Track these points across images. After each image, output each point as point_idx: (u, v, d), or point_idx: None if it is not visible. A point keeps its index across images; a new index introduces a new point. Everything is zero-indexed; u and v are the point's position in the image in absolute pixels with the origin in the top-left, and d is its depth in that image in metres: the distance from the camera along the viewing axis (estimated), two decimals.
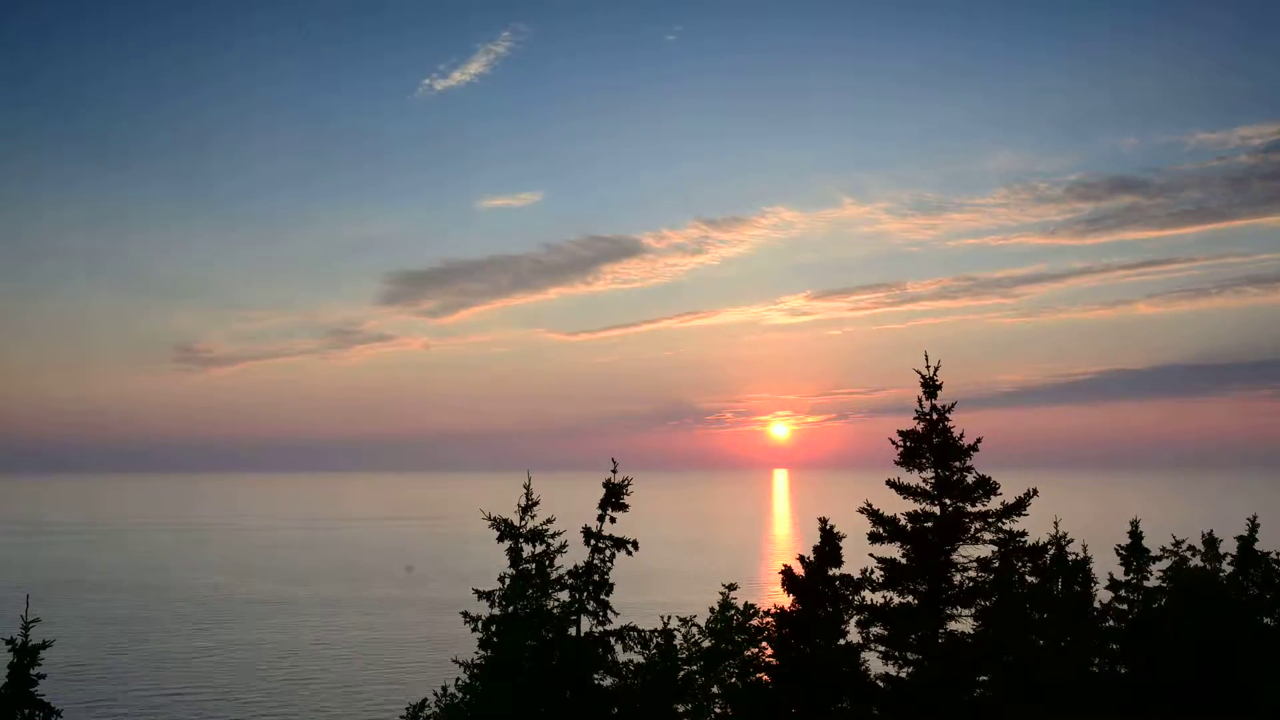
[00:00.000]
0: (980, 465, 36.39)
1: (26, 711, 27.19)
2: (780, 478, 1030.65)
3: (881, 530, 36.00)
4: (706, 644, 36.77)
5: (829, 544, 35.79)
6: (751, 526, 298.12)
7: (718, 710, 35.81)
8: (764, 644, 36.53)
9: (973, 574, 35.58)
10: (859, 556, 36.14)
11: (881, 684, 35.04)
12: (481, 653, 31.25)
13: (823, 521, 36.15)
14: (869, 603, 35.70)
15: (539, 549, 31.55)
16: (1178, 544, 42.63)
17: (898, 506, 36.43)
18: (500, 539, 31.72)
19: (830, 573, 35.47)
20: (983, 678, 35.29)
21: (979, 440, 35.88)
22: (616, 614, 31.91)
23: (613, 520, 32.15)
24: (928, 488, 36.04)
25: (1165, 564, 42.46)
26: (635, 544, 31.70)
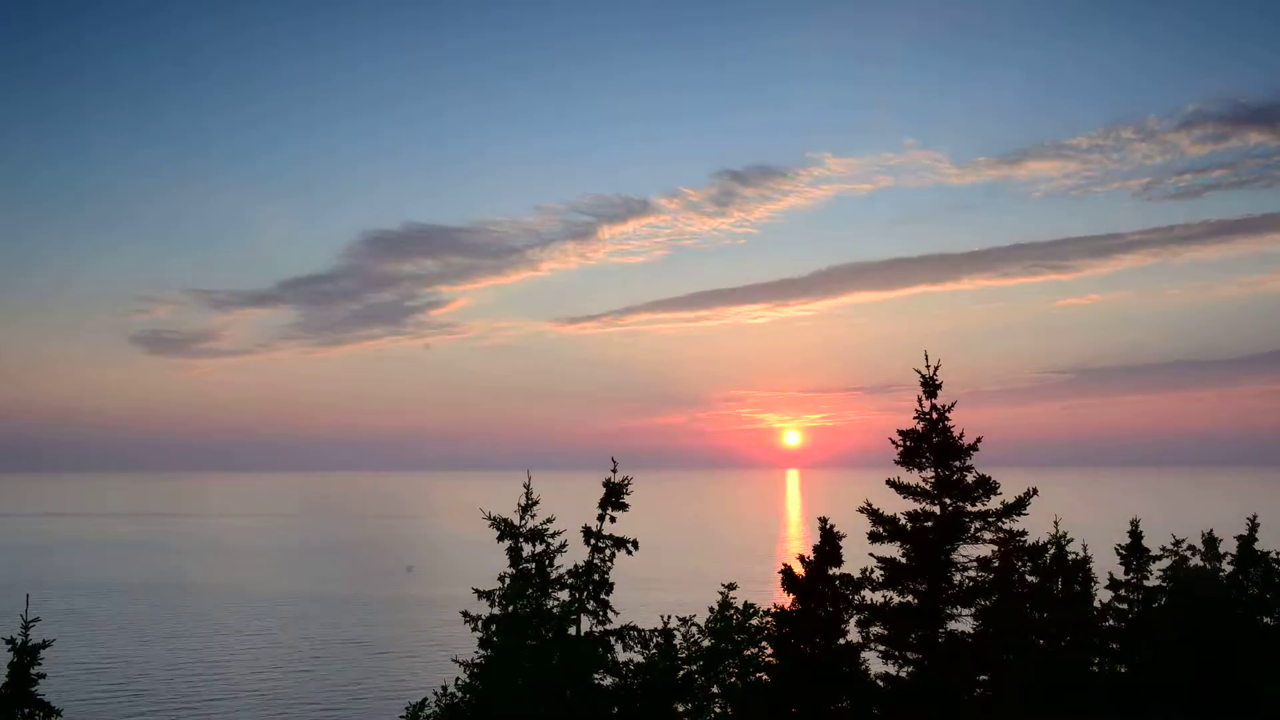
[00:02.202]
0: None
1: (26, 711, 27.20)
2: (793, 477, 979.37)
3: (881, 530, 36.02)
4: (706, 643, 36.76)
5: (829, 543, 35.81)
6: (757, 526, 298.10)
7: (718, 710, 35.81)
8: (764, 644, 36.55)
9: (973, 573, 35.60)
10: (859, 556, 36.16)
11: (881, 684, 35.06)
12: (481, 652, 31.28)
13: (823, 521, 36.18)
14: (869, 602, 35.73)
15: (539, 548, 31.57)
16: (1177, 543, 42.63)
17: (898, 506, 36.46)
18: (500, 538, 31.75)
19: (830, 572, 35.49)
20: (983, 678, 35.31)
21: (979, 439, 35.94)
22: (616, 613, 31.94)
23: (613, 520, 32.17)
24: (928, 487, 36.07)
25: (1165, 563, 42.47)
26: (635, 543, 31.73)
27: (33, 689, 27.26)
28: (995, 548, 35.78)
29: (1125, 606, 41.56)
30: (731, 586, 38.12)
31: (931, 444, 35.96)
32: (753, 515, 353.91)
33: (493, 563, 33.10)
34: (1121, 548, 42.75)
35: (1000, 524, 35.61)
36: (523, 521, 31.72)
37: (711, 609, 37.69)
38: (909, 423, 36.50)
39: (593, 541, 31.89)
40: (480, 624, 31.13)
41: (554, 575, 31.53)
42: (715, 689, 36.04)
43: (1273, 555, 41.11)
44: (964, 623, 35.74)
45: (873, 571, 35.97)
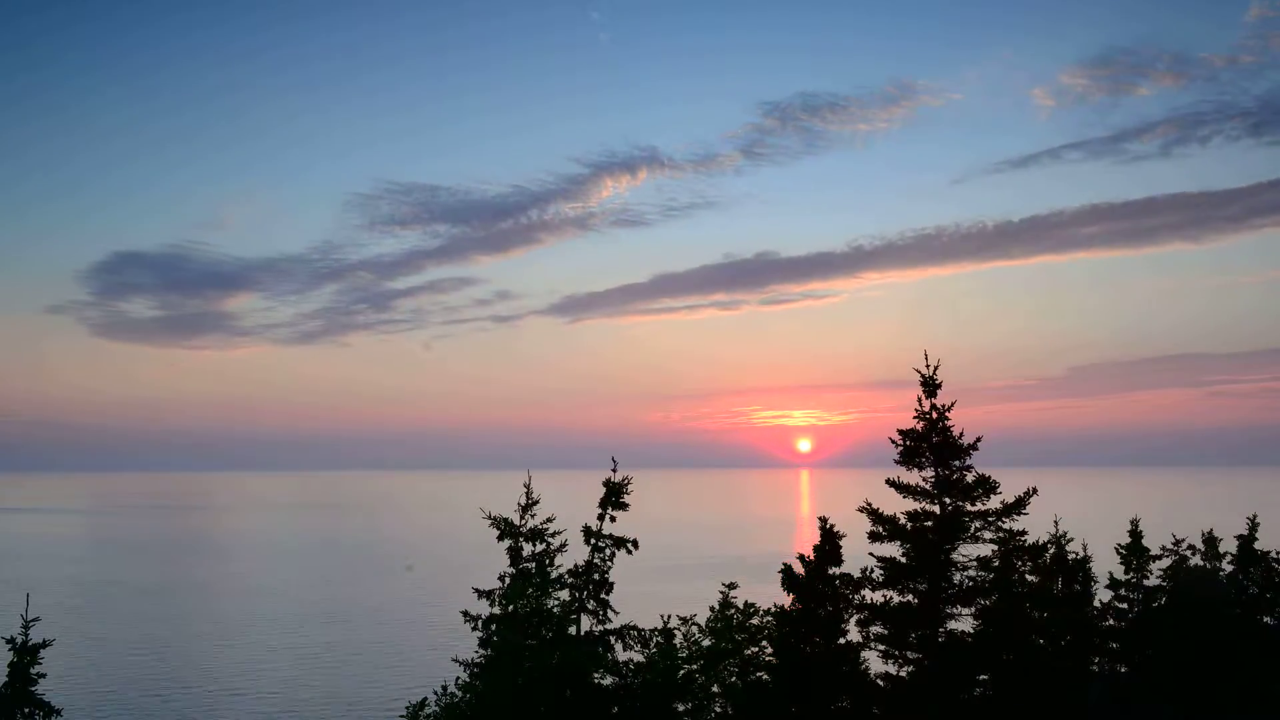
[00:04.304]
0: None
1: (26, 710, 27.21)
2: (811, 477, 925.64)
3: (881, 529, 36.02)
4: (706, 643, 36.79)
5: (829, 543, 35.79)
6: (769, 526, 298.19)
7: (718, 709, 35.83)
8: (764, 643, 36.56)
9: (973, 573, 35.59)
10: (859, 555, 36.16)
11: (881, 683, 35.06)
12: (481, 651, 31.28)
13: (822, 520, 36.16)
14: (869, 602, 35.72)
15: (539, 548, 31.57)
16: (1178, 543, 42.67)
17: (898, 505, 36.46)
18: (500, 538, 31.74)
19: (830, 572, 35.48)
20: (983, 677, 35.32)
21: (979, 439, 35.92)
22: (616, 613, 31.94)
23: (613, 519, 32.15)
24: (928, 487, 36.07)
25: (1165, 563, 42.50)
26: (635, 543, 31.72)
27: (33, 689, 27.27)
28: (995, 547, 35.79)
29: (1125, 606, 41.60)
30: (732, 586, 38.14)
31: (931, 443, 35.97)
32: (764, 516, 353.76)
33: (493, 562, 33.10)
34: (1121, 548, 42.79)
35: (1000, 523, 35.62)
36: (523, 521, 31.71)
37: (712, 608, 37.72)
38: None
39: (593, 541, 31.88)
40: (480, 623, 31.11)
41: (554, 575, 31.51)
42: (715, 688, 36.06)
43: (1273, 555, 41.14)
44: (964, 623, 35.72)
45: (873, 571, 35.96)
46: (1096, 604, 41.04)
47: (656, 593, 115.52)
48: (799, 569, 35.86)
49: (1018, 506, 35.53)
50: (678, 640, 36.24)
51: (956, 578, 35.42)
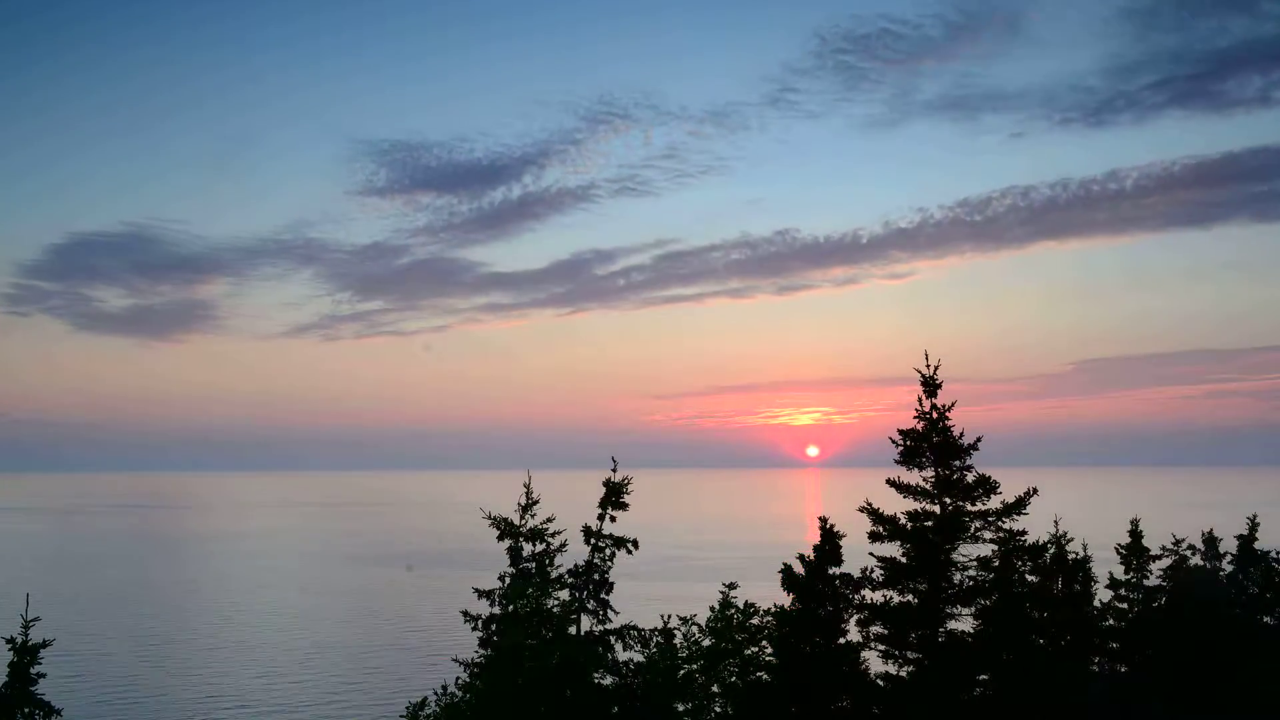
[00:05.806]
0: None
1: (27, 710, 27.20)
2: (825, 477, 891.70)
3: (882, 529, 36.02)
4: (706, 643, 36.77)
5: (829, 543, 35.79)
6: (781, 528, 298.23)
7: (718, 709, 35.82)
8: (764, 643, 36.55)
9: (973, 573, 35.60)
10: (860, 555, 36.17)
11: (881, 683, 35.06)
12: (481, 651, 31.29)
13: (822, 520, 36.16)
14: (869, 602, 35.73)
15: (539, 548, 31.58)
16: (1178, 543, 42.64)
17: (898, 505, 36.47)
18: (500, 538, 31.76)
19: (830, 572, 35.47)
20: (983, 677, 35.31)
21: (979, 439, 35.95)
22: (617, 613, 31.96)
23: (613, 519, 32.18)
24: (928, 487, 36.08)
25: (1165, 563, 42.49)
26: (635, 543, 31.76)
27: (33, 689, 27.26)
28: (995, 547, 35.79)
29: (1125, 606, 41.58)
30: (732, 586, 38.12)
31: (932, 443, 35.99)
32: (767, 516, 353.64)
33: (493, 562, 33.10)
34: (1121, 547, 42.79)
35: (1000, 523, 35.63)
36: (523, 521, 31.73)
37: (712, 608, 37.70)
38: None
39: (593, 541, 31.90)
40: (480, 623, 31.15)
41: (554, 575, 31.53)
42: (715, 688, 36.05)
43: (1273, 555, 41.15)
44: (964, 623, 35.72)
45: (873, 571, 35.97)
46: (1096, 604, 41.00)
47: (656, 593, 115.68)
48: (799, 569, 35.86)
49: (1018, 506, 35.54)
50: (678, 640, 36.23)
51: (956, 578, 35.42)
